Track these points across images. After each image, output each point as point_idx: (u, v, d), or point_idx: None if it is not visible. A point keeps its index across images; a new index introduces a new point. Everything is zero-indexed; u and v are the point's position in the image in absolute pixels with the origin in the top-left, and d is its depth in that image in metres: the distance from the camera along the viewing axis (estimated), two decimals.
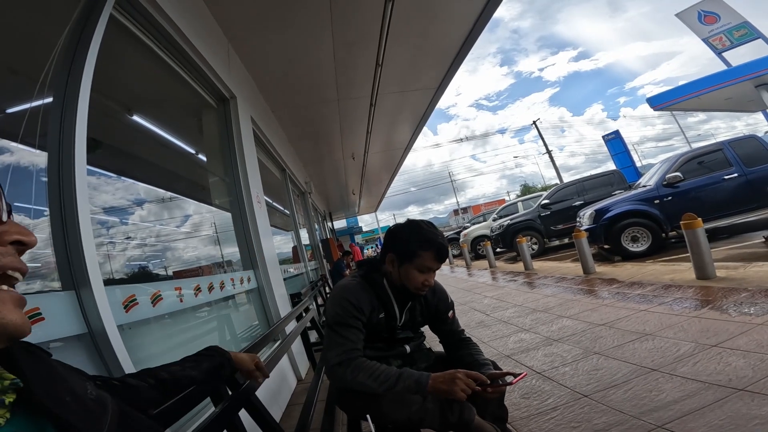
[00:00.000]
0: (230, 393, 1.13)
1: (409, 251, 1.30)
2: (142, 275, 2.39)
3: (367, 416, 0.99)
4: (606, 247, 6.36)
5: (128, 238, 2.31)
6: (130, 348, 1.44)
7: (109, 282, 1.81)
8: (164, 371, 0.85)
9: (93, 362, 1.28)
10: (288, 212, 6.68)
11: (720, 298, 2.98)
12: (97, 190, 2.11)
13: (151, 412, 0.78)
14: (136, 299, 1.55)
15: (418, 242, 1.30)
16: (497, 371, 1.26)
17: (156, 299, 1.69)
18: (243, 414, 1.18)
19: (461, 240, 12.72)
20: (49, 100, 1.42)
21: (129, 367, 1.31)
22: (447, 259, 12.77)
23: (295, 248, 6.85)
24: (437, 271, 1.36)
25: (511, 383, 1.11)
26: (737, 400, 1.62)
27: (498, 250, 10.17)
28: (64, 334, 1.20)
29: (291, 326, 2.59)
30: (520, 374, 1.14)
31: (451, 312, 1.51)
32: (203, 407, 1.20)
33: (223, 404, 1.06)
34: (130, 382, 0.75)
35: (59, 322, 1.18)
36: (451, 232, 16.68)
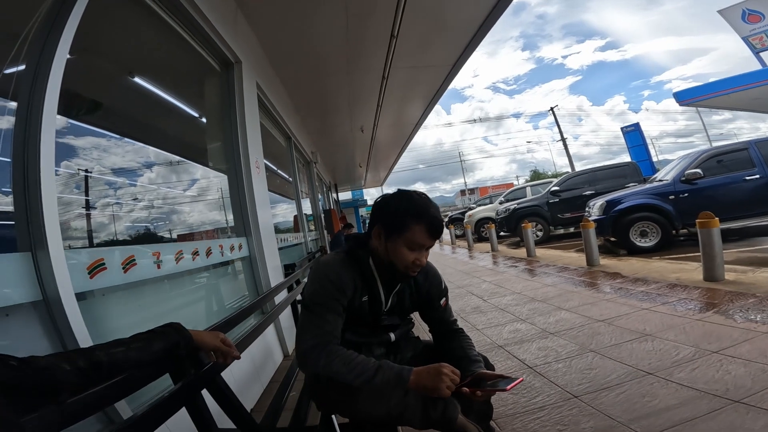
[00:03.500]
0: (192, 372, 1.04)
1: (397, 223, 1.14)
2: (123, 240, 2.26)
3: (333, 417, 0.91)
4: (612, 239, 6.25)
5: (111, 198, 2.19)
6: (95, 318, 1.35)
7: (84, 246, 1.68)
8: (103, 352, 0.75)
9: (47, 334, 1.20)
10: (291, 180, 6.59)
11: (726, 302, 2.89)
12: (91, 149, 2.00)
13: (64, 398, 0.68)
14: (104, 263, 1.43)
15: (408, 213, 1.13)
16: (490, 372, 1.15)
17: (129, 264, 1.57)
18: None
19: (465, 221, 12.65)
20: (26, 52, 1.31)
21: (85, 340, 1.23)
22: (444, 237, 12.66)
23: (296, 217, 6.80)
24: (436, 252, 1.21)
25: (505, 389, 1.00)
26: (732, 411, 1.56)
27: (502, 233, 10.08)
28: (13, 301, 1.11)
29: (281, 297, 2.52)
30: (516, 379, 1.02)
31: (444, 299, 1.36)
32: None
33: (182, 382, 0.98)
34: (39, 363, 0.64)
35: (8, 287, 1.10)
36: (456, 212, 16.59)
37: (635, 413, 1.66)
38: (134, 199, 2.28)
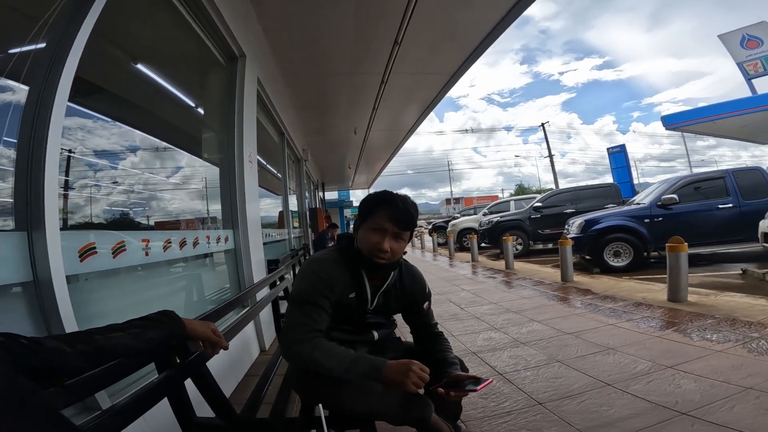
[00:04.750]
0: (179, 361, 1.03)
1: (367, 210, 1.28)
2: (109, 224, 2.16)
3: (319, 406, 0.96)
4: (587, 257, 6.45)
5: (105, 183, 2.17)
6: (80, 302, 1.33)
7: (71, 227, 1.67)
8: (103, 337, 0.74)
9: (33, 315, 1.19)
10: (280, 176, 6.59)
11: (686, 321, 3.06)
12: (85, 132, 2.00)
13: (64, 381, 0.68)
14: (95, 248, 1.44)
15: (375, 200, 1.28)
16: (463, 374, 1.24)
17: (118, 250, 1.58)
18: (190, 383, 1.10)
19: (449, 229, 12.83)
20: (44, 39, 1.33)
21: (70, 323, 1.22)
22: (426, 244, 12.66)
23: (281, 213, 6.77)
24: (417, 258, 1.29)
25: (476, 390, 1.09)
26: (678, 423, 1.68)
27: (483, 244, 10.28)
28: (5, 280, 1.11)
29: (263, 293, 2.54)
30: (486, 381, 1.11)
31: (427, 303, 1.45)
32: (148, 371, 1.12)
33: (167, 372, 0.97)
34: (48, 344, 0.64)
35: (1, 266, 1.10)
36: (440, 221, 16.79)
37: (593, 421, 1.77)
38: (114, 182, 2.26)
